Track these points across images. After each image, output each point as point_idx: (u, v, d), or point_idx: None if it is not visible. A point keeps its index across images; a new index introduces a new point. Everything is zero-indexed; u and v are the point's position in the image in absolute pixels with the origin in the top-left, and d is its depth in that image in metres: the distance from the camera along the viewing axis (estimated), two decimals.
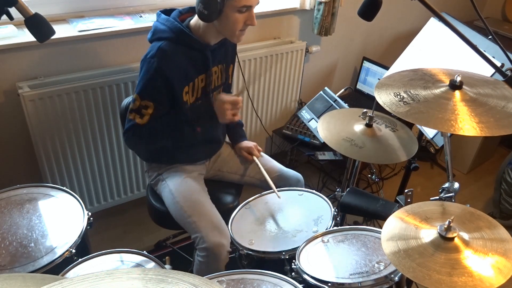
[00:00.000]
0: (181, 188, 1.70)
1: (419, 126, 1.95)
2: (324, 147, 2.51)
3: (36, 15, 1.27)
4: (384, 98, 1.27)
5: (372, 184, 2.85)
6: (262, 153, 1.97)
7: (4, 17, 1.25)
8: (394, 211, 1.24)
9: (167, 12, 1.66)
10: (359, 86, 3.00)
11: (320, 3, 2.45)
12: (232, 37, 1.60)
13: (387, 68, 2.59)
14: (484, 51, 1.17)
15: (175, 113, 1.63)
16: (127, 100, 1.81)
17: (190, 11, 1.67)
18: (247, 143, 1.94)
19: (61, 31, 1.91)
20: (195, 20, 1.61)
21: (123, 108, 1.80)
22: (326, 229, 1.52)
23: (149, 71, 1.53)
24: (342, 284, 1.30)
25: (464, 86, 1.25)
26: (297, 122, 2.69)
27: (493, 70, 1.24)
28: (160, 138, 1.64)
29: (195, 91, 1.66)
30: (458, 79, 1.24)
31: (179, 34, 1.56)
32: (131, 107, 1.58)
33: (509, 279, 1.02)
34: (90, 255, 1.41)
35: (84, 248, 1.46)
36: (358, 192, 1.80)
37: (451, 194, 1.35)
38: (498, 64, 1.65)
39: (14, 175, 2.06)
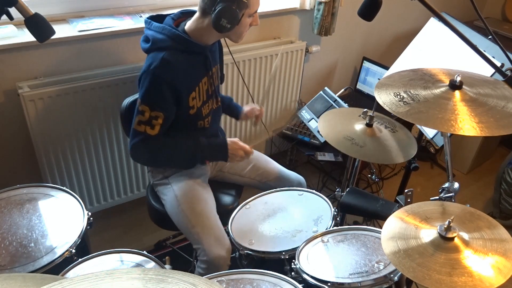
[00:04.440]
0: (187, 196, 1.69)
1: (419, 126, 1.95)
2: (324, 147, 2.51)
3: (36, 15, 1.27)
4: (384, 98, 1.27)
5: (372, 184, 2.84)
6: (262, 154, 1.98)
7: (4, 17, 1.25)
8: (394, 211, 1.24)
9: (155, 18, 1.63)
10: (359, 86, 3.00)
11: (320, 3, 2.45)
12: (238, 38, 1.62)
13: (387, 68, 2.58)
14: (484, 51, 1.17)
15: (192, 146, 1.67)
16: (127, 101, 1.81)
17: (182, 16, 1.66)
18: (245, 108, 2.00)
19: (61, 31, 1.91)
20: (190, 23, 1.60)
21: (124, 109, 1.79)
22: (326, 229, 1.52)
23: (156, 82, 1.52)
24: (342, 284, 1.30)
25: (464, 86, 1.25)
26: (297, 122, 2.69)
27: (493, 70, 1.24)
28: (170, 157, 1.66)
29: (201, 95, 1.66)
30: (458, 79, 1.24)
31: (179, 41, 1.55)
32: (139, 119, 1.55)
33: (509, 279, 1.02)
34: (90, 255, 1.41)
35: (84, 248, 1.46)
36: (358, 192, 1.80)
37: (451, 194, 1.34)
38: (498, 64, 1.65)
39: (14, 175, 2.06)
